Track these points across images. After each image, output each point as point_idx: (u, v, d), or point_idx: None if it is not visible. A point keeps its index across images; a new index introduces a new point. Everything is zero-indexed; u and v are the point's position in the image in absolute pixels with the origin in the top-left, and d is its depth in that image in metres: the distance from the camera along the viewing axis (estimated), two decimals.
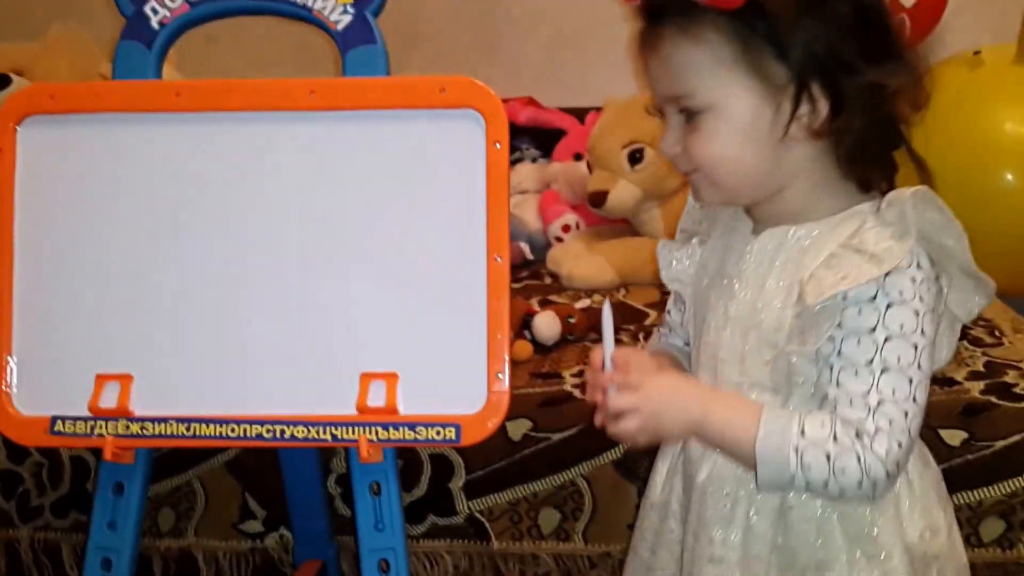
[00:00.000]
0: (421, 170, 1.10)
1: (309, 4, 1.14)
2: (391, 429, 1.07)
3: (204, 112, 1.13)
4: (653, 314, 1.92)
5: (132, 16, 1.16)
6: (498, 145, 1.08)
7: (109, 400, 1.09)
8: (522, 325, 1.70)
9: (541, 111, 2.61)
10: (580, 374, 1.58)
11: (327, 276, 1.10)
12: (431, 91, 1.09)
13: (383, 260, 1.09)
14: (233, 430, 1.09)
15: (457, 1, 2.76)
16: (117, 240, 1.12)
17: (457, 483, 1.40)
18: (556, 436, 1.40)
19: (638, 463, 1.36)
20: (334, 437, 1.08)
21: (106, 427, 1.09)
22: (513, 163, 2.60)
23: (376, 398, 1.07)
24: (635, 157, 2.13)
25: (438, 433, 1.07)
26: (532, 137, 2.61)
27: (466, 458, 1.41)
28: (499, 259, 1.08)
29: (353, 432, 1.07)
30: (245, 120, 1.13)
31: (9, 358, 1.12)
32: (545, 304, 1.99)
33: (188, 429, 1.09)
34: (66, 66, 2.49)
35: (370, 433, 1.07)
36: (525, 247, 2.31)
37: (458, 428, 1.08)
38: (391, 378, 1.08)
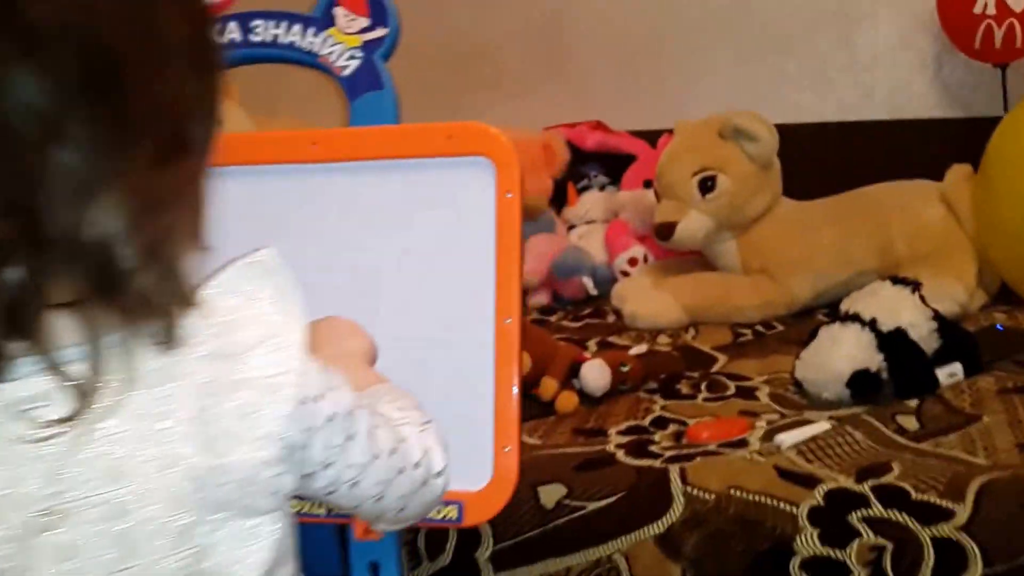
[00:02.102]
0: (427, 223, 1.01)
1: (315, 49, 1.06)
2: None
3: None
4: (722, 359, 1.79)
5: None
6: (510, 195, 0.98)
7: None
8: (570, 373, 1.59)
9: (610, 135, 2.50)
10: (629, 431, 1.46)
11: None
12: (437, 138, 1.00)
13: (383, 321, 1.00)
14: None
15: (521, 19, 2.65)
16: None
17: (484, 553, 1.30)
18: (592, 505, 1.28)
19: (683, 540, 1.24)
20: (328, 512, 0.99)
21: None
22: (580, 191, 2.51)
23: None
24: (707, 185, 2.00)
25: (438, 511, 0.98)
26: (601, 163, 2.50)
27: (494, 526, 1.30)
28: (509, 320, 0.98)
29: None
30: (246, 174, 1.05)
31: None
32: (604, 346, 1.89)
33: None
34: None
35: None
36: (588, 281, 2.20)
37: (461, 506, 0.98)
38: None
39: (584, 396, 1.58)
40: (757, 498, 1.23)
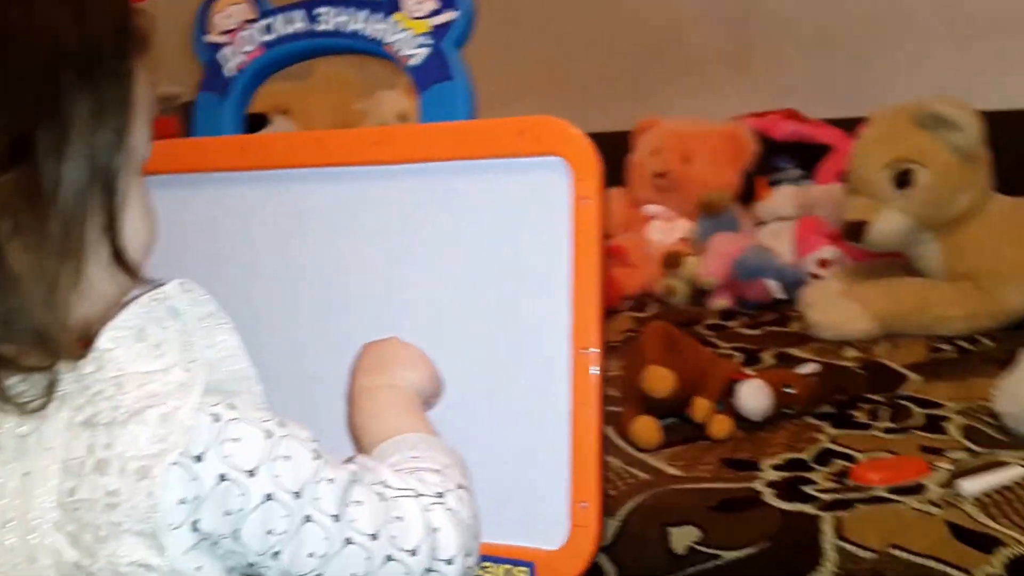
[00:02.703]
0: (493, 235, 0.87)
1: (381, 37, 0.94)
2: None
3: (270, 170, 0.97)
4: (914, 379, 1.55)
5: (208, 63, 1.05)
6: (587, 200, 0.83)
7: None
8: (727, 393, 1.40)
9: (804, 124, 2.27)
10: (785, 466, 1.27)
11: None
12: (507, 135, 0.87)
13: (446, 353, 0.86)
14: None
15: (708, 5, 2.46)
16: None
17: None
18: (728, 554, 1.10)
19: None
20: None
21: None
22: (772, 184, 2.28)
23: None
24: (903, 179, 1.75)
25: (508, 572, 0.85)
26: (794, 155, 2.28)
27: (620, 568, 1.15)
28: (588, 350, 0.83)
29: None
30: (312, 176, 0.95)
31: None
32: (780, 359, 1.69)
33: None
34: (328, 104, 2.52)
35: None
36: (773, 284, 2.00)
37: (532, 567, 0.84)
38: None
39: (743, 419, 1.39)
40: (923, 561, 1.02)
